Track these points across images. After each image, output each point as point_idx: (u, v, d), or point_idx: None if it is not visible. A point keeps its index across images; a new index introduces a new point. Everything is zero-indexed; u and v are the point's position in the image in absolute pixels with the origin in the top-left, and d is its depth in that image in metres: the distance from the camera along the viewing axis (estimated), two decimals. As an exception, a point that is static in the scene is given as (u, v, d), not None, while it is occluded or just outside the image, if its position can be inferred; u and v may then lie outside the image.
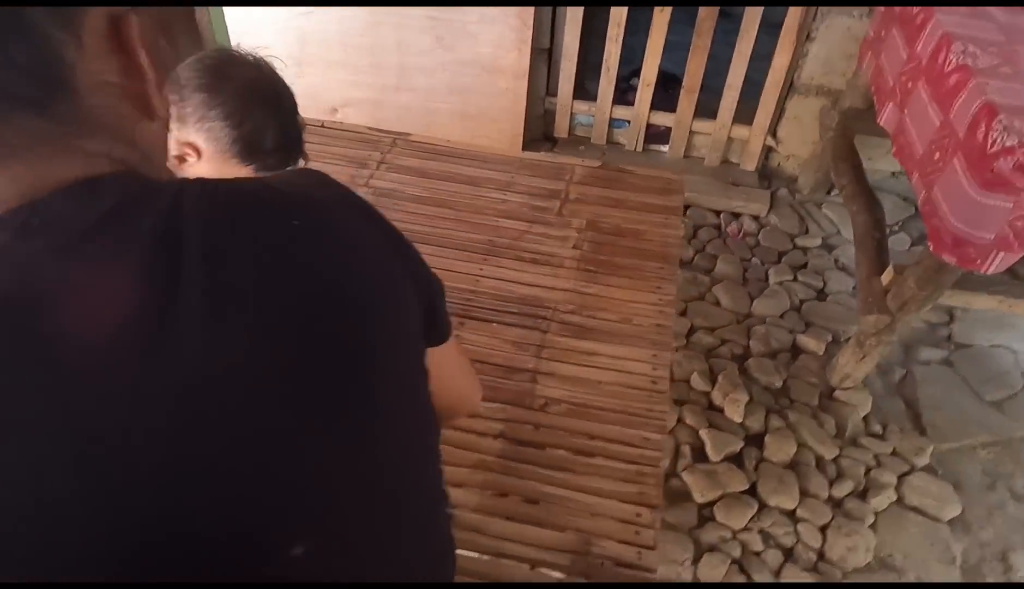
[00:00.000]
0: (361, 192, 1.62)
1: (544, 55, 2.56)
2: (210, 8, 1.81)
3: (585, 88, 2.70)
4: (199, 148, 1.02)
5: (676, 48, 2.50)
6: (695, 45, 2.43)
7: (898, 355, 2.07)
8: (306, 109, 2.60)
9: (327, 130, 1.82)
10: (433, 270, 0.61)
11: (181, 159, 1.02)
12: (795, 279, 2.29)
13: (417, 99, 2.54)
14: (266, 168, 1.06)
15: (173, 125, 1.01)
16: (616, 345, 1.32)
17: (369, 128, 1.83)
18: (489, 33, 2.37)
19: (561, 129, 2.70)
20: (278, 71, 1.08)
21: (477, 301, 1.38)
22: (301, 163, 1.13)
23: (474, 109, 2.53)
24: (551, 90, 2.64)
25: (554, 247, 1.52)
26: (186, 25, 1.78)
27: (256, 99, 1.02)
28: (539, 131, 2.74)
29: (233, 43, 1.96)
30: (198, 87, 0.99)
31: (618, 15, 2.41)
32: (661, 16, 2.39)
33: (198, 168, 1.04)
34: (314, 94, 2.57)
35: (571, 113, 2.66)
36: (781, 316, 2.16)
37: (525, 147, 2.66)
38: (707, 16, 2.36)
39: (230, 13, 2.39)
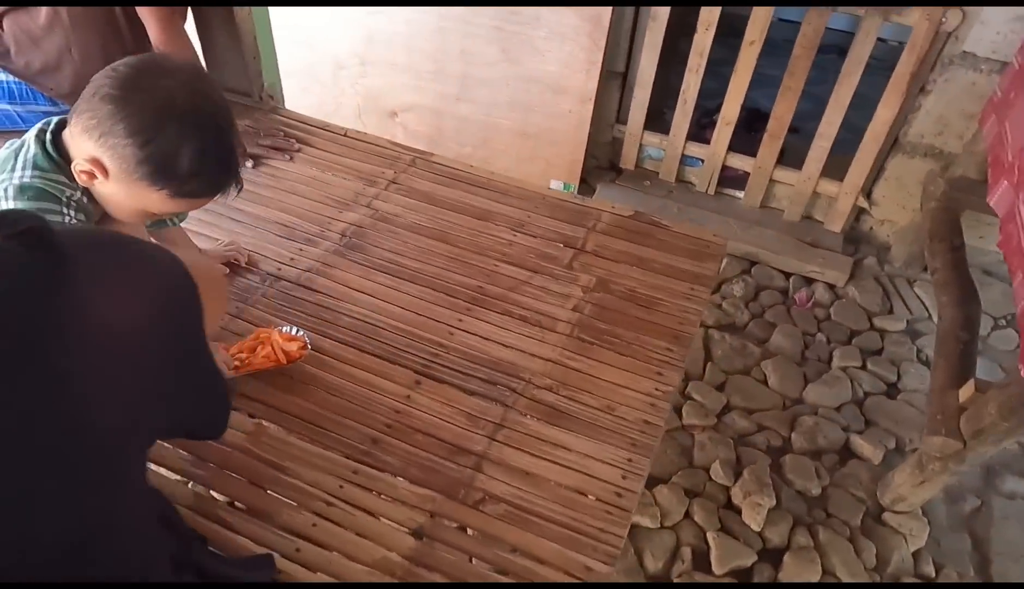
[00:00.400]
0: (361, 213, 1.47)
1: (618, 80, 2.32)
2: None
3: (664, 118, 2.44)
4: (104, 166, 0.88)
5: (774, 83, 2.16)
6: (785, 86, 2.11)
7: (975, 480, 1.69)
8: (367, 110, 2.50)
9: (348, 139, 1.67)
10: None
11: (90, 176, 0.89)
12: (864, 366, 1.93)
13: (477, 112, 2.36)
14: (182, 195, 0.92)
15: (81, 137, 0.89)
16: (588, 439, 1.09)
17: (392, 143, 1.67)
18: (557, 51, 2.16)
19: (628, 160, 2.45)
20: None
21: (443, 358, 1.19)
22: (233, 192, 0.98)
23: (535, 128, 2.33)
24: (622, 117, 2.39)
25: (551, 305, 1.30)
26: (224, 23, 1.67)
27: (171, 116, 0.86)
28: (605, 159, 2.50)
29: (277, 40, 1.86)
30: (106, 97, 0.85)
31: (701, 44, 2.13)
32: (749, 51, 2.09)
33: (107, 188, 0.91)
34: (376, 96, 2.46)
35: (640, 144, 2.40)
36: (837, 408, 1.82)
37: (587, 175, 2.43)
38: (802, 55, 2.04)
39: (292, 9, 2.31)
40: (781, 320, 2.05)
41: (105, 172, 0.88)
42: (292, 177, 1.54)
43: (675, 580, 1.46)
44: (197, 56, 1.51)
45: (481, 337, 1.23)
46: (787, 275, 2.20)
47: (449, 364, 1.18)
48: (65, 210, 0.91)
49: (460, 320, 1.25)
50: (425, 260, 1.37)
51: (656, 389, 1.17)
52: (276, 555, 0.92)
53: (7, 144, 0.95)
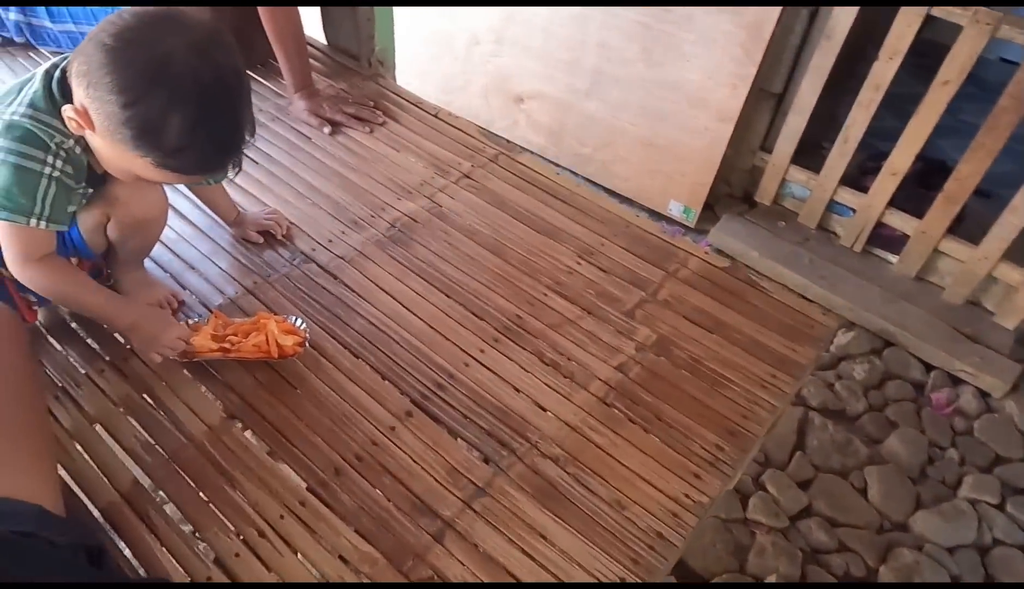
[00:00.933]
0: (420, 204, 1.32)
1: (772, 101, 1.98)
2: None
3: (819, 154, 2.06)
4: (91, 118, 0.79)
5: (969, 132, 1.73)
6: (978, 142, 1.69)
7: None
8: (494, 91, 2.36)
9: (436, 121, 1.52)
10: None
11: (79, 125, 0.80)
12: (1001, 506, 1.52)
13: (604, 111, 2.13)
14: (166, 167, 0.80)
15: (74, 81, 0.79)
16: (579, 538, 0.87)
17: (481, 132, 1.49)
18: (704, 58, 1.87)
19: (765, 193, 2.11)
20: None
21: (448, 391, 1.01)
22: (230, 174, 0.86)
23: (663, 140, 2.06)
24: (768, 145, 2.06)
25: (592, 357, 1.08)
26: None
27: (163, 79, 0.75)
28: (740, 187, 2.17)
29: (399, 28, 1.73)
30: (100, 45, 0.75)
31: (880, 75, 1.75)
32: (941, 91, 1.68)
33: (95, 142, 0.83)
34: (505, 77, 2.29)
35: (784, 179, 2.06)
36: (950, 550, 1.44)
37: (713, 201, 2.13)
38: (1010, 107, 1.61)
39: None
40: (906, 421, 1.66)
41: (91, 125, 0.79)
42: (365, 152, 1.42)
43: None
44: (298, 13, 1.41)
45: (499, 376, 1.04)
46: (928, 368, 1.79)
47: (451, 401, 1.00)
48: (50, 159, 0.83)
49: (482, 351, 1.07)
50: (468, 271, 1.19)
51: (686, 496, 0.92)
52: (187, 578, 0.80)
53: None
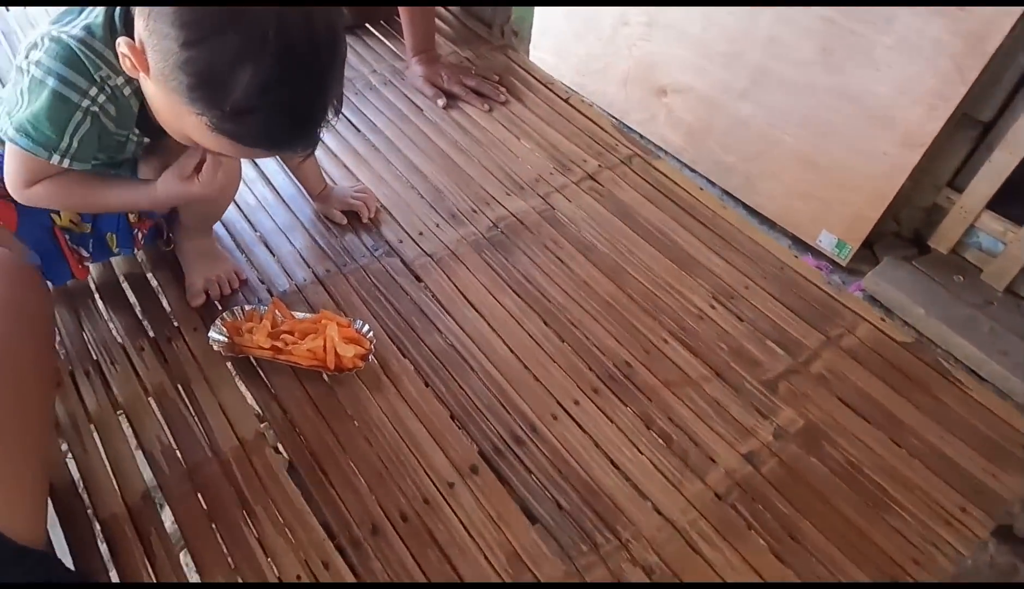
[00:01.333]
0: (531, 203, 1.09)
1: (975, 131, 1.60)
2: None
3: None
4: (145, 55, 0.62)
5: None
6: None
7: None
8: (635, 79, 2.07)
9: (566, 106, 1.28)
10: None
11: (132, 65, 0.64)
12: None
13: (759, 116, 1.81)
14: (223, 131, 0.61)
15: (137, 11, 0.63)
16: None
17: (616, 127, 1.25)
18: (900, 69, 1.52)
19: (944, 239, 1.72)
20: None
21: (525, 448, 0.79)
22: (299, 155, 0.68)
23: (826, 159, 1.72)
24: (959, 182, 1.67)
25: (716, 436, 0.82)
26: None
27: (239, 21, 0.56)
28: (910, 227, 1.80)
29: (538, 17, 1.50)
30: None
31: None
32: None
33: (148, 88, 0.66)
34: (650, 65, 2.01)
35: (972, 225, 1.67)
36: None
37: (873, 239, 1.77)
38: None
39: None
40: (1096, 559, 1.28)
41: (146, 66, 0.62)
42: (479, 133, 1.21)
43: None
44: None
45: (592, 440, 0.81)
46: None
47: (529, 462, 0.79)
48: (93, 91, 0.67)
49: (576, 402, 0.84)
50: (576, 296, 0.96)
51: (821, 664, 0.66)
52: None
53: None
